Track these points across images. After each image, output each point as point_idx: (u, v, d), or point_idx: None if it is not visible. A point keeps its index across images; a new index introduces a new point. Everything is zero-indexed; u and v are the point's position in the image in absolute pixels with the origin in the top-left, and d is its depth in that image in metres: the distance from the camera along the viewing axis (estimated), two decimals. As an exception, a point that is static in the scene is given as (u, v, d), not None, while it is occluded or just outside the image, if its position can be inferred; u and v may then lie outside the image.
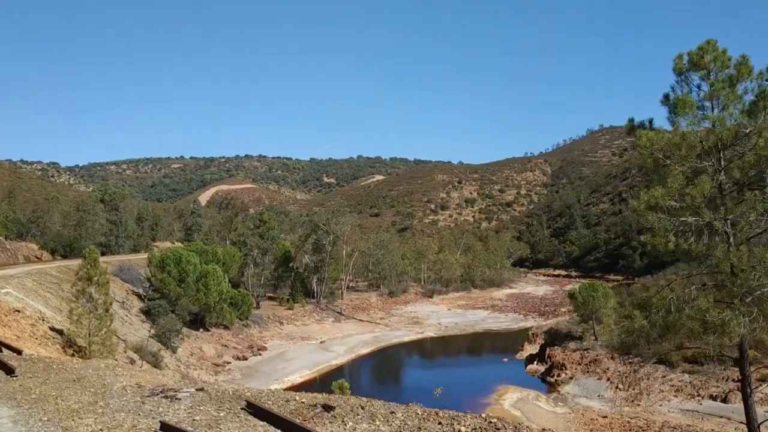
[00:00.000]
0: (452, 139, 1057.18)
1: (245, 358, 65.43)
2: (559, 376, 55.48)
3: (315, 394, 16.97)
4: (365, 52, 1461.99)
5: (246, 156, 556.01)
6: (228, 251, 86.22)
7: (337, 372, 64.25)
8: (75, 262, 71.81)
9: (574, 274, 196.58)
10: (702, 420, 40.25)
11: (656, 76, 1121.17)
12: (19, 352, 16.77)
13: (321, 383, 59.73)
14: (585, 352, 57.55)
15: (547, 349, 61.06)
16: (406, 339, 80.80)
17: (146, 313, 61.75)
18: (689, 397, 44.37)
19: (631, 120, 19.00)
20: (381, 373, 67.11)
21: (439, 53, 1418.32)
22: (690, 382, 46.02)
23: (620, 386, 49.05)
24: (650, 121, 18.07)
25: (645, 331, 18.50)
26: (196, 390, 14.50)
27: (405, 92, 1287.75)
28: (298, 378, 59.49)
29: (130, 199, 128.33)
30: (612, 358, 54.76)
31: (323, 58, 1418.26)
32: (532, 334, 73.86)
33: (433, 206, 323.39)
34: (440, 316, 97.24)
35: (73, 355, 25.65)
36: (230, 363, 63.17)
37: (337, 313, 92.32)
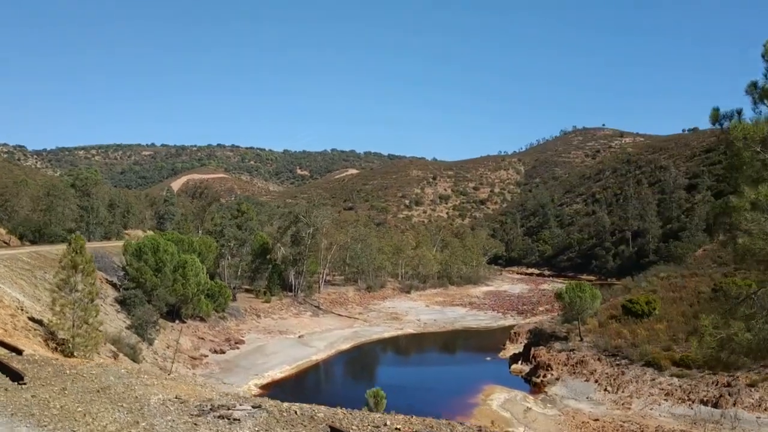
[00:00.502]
0: (427, 135, 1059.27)
1: (223, 352, 63.60)
2: (545, 376, 54.74)
3: (410, 419, 15.30)
4: (341, 44, 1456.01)
5: (218, 145, 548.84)
6: (204, 241, 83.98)
7: (317, 368, 62.96)
8: (46, 248, 69.40)
9: (547, 273, 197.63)
10: (695, 425, 39.75)
11: (629, 77, 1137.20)
12: (19, 351, 14.81)
13: (301, 378, 58.41)
14: (571, 352, 56.86)
15: (532, 349, 60.31)
16: (386, 335, 79.66)
17: (121, 303, 59.58)
18: (680, 401, 43.87)
19: (717, 109, 17.47)
20: (362, 370, 65.81)
21: (415, 47, 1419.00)
22: (680, 386, 45.53)
23: (608, 388, 48.45)
24: (739, 112, 16.66)
25: (748, 345, 16.51)
26: (253, 407, 12.82)
27: (381, 86, 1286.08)
28: (278, 373, 57.92)
29: (102, 185, 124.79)
30: (599, 359, 54.20)
31: (299, 50, 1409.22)
32: (514, 333, 73.15)
33: (407, 202, 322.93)
34: (419, 312, 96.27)
35: (55, 348, 23.85)
36: (207, 356, 61.31)
37: (315, 307, 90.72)
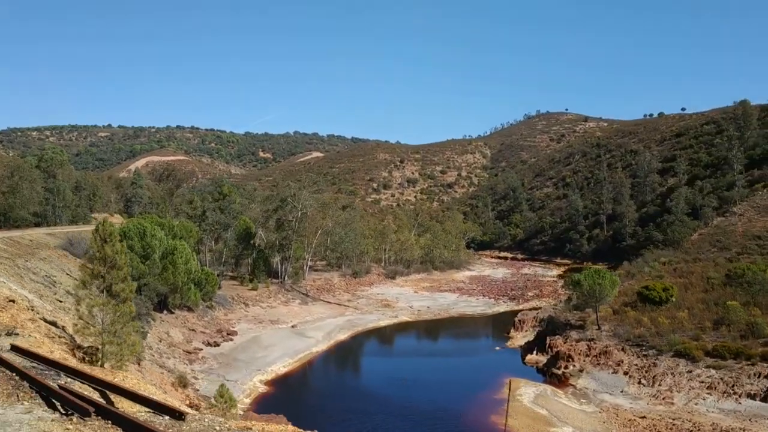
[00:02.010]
0: (390, 118, 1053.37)
1: (217, 344, 59.13)
2: (566, 368, 51.96)
3: None
4: (299, 26, 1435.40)
5: (177, 127, 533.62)
6: (184, 225, 78.76)
7: (319, 361, 59.08)
8: (17, 234, 63.65)
9: (520, 257, 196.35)
10: (751, 422, 37.27)
11: (591, 60, 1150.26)
12: (180, 415, 10.11)
13: (305, 373, 54.46)
14: (591, 342, 54.24)
15: (548, 339, 57.52)
16: (382, 323, 76.20)
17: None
18: (725, 395, 41.46)
19: None
20: (367, 363, 62.13)
21: (374, 26, 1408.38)
22: (721, 379, 43.15)
23: (643, 381, 45.87)
24: None
25: None
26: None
27: (342, 67, 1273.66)
28: (281, 368, 53.85)
29: (67, 167, 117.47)
30: (622, 349, 51.71)
31: (255, 33, 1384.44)
32: (519, 320, 70.42)
33: (375, 185, 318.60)
34: (409, 298, 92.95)
35: (83, 358, 19.51)
36: (202, 350, 56.75)
37: (303, 294, 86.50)
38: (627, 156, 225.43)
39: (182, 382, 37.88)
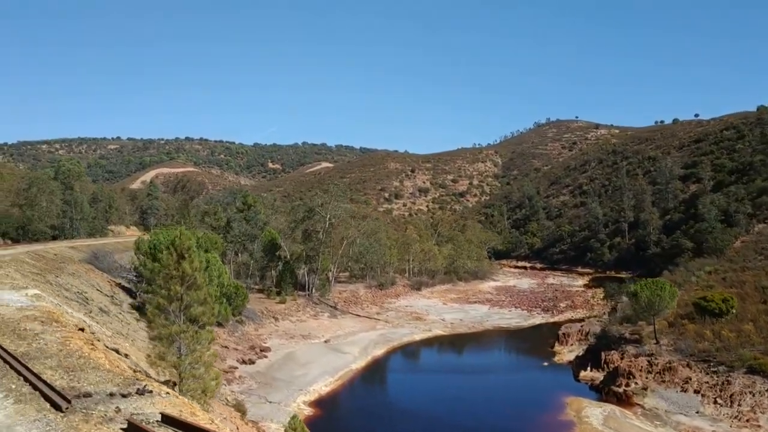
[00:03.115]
0: (399, 128, 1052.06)
1: (252, 362, 56.20)
2: (627, 385, 48.70)
3: None
4: (307, 35, 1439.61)
5: (186, 138, 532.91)
6: (209, 237, 76.12)
7: (360, 379, 56.03)
8: (39, 247, 60.91)
9: (539, 266, 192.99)
10: None
11: (600, 69, 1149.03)
12: None
13: (348, 392, 51.34)
14: (651, 357, 50.96)
15: (603, 354, 54.25)
16: (416, 338, 73.14)
17: (139, 309, 51.59)
18: (816, 416, 38.20)
19: None
20: (409, 379, 58.87)
21: (384, 37, 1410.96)
22: (808, 398, 39.91)
23: (719, 401, 42.59)
24: None
25: None
26: None
27: (351, 78, 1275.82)
28: (323, 387, 50.83)
29: (84, 178, 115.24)
30: (688, 365, 48.41)
31: (263, 44, 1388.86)
32: (563, 334, 67.19)
33: (386, 195, 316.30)
34: (439, 311, 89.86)
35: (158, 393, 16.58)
36: (237, 368, 53.79)
37: (332, 307, 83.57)
38: (645, 162, 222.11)
39: (240, 410, 34.92)
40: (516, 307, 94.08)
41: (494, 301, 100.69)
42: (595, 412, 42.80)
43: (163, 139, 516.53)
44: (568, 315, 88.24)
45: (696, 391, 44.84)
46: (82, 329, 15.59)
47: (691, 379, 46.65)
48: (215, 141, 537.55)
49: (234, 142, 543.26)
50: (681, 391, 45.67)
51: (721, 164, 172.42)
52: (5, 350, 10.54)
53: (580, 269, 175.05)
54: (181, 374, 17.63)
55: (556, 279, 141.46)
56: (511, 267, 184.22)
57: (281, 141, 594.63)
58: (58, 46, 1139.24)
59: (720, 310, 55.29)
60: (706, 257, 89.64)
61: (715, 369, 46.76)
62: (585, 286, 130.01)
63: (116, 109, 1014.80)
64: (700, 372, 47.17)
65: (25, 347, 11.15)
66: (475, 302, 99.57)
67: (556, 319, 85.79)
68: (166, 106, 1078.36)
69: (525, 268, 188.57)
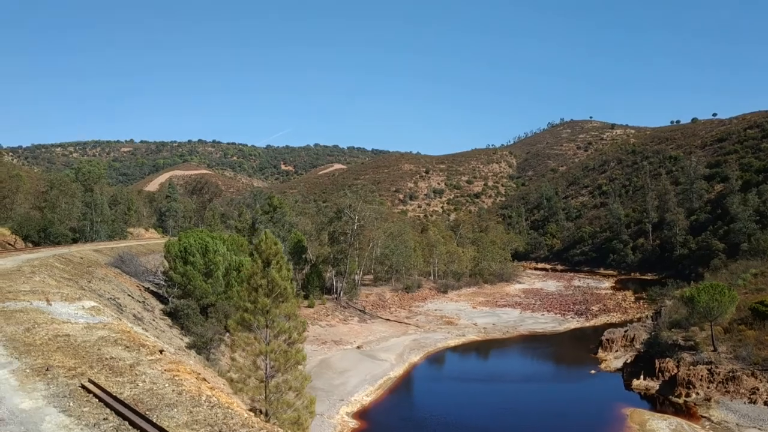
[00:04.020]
0: (411, 129, 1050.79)
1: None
2: (688, 396, 45.95)
3: None
4: (319, 39, 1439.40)
5: (199, 141, 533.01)
6: (235, 240, 73.76)
7: (401, 387, 53.44)
8: (64, 250, 58.73)
9: (560, 267, 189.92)
10: None
11: (613, 70, 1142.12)
12: None
13: (391, 402, 48.74)
14: (711, 366, 48.06)
15: (657, 362, 51.38)
16: (451, 343, 70.53)
17: (171, 315, 49.39)
18: None
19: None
20: (451, 387, 55.92)
21: (394, 40, 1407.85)
22: None
23: (796, 413, 39.69)
24: None
25: None
26: None
27: (362, 80, 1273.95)
28: (364, 397, 48.35)
29: (104, 180, 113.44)
30: (753, 374, 45.55)
31: (274, 47, 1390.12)
32: (607, 340, 64.33)
33: (401, 196, 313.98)
34: (470, 315, 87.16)
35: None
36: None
37: (360, 311, 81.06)
38: (667, 162, 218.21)
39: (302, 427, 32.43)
40: (548, 311, 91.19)
41: (524, 304, 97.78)
42: (660, 425, 40.05)
43: (176, 142, 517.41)
44: (603, 319, 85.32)
45: (766, 403, 41.99)
46: (161, 351, 13.19)
47: (758, 389, 43.82)
48: (228, 143, 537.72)
49: (246, 144, 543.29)
50: (749, 402, 42.87)
51: (748, 163, 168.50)
52: (117, 399, 8.06)
53: (602, 271, 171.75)
54: (270, 401, 15.22)
55: (581, 281, 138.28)
56: (531, 268, 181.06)
57: (293, 143, 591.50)
58: (73, 51, 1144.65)
59: (780, 315, 52.39)
60: (743, 259, 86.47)
61: (785, 379, 43.91)
62: (612, 288, 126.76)
63: (130, 112, 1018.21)
64: (768, 382, 44.32)
65: (130, 389, 8.69)
66: (505, 306, 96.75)
67: (591, 323, 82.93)
68: (180, 109, 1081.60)
69: (546, 269, 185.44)
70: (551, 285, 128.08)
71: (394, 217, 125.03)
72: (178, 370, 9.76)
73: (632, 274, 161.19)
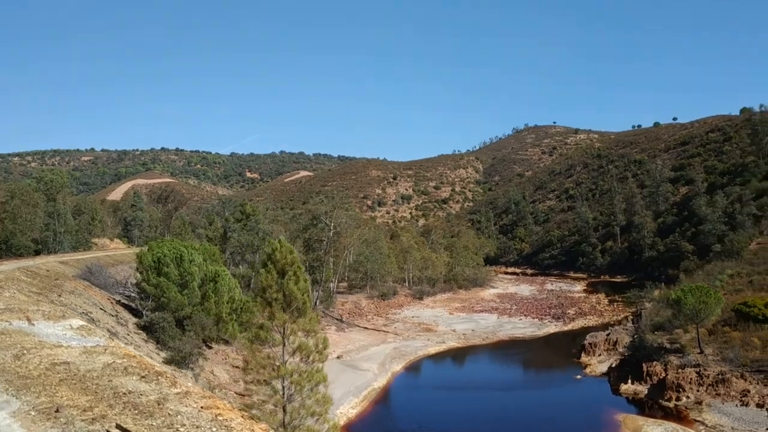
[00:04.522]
0: (377, 135, 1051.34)
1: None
2: (678, 399, 45.48)
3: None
4: (281, 45, 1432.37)
5: (162, 149, 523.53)
6: (206, 249, 71.44)
7: (386, 399, 51.98)
8: (28, 263, 55.84)
9: (530, 271, 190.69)
10: None
11: (575, 75, 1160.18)
12: None
13: (378, 414, 47.21)
14: (699, 368, 47.69)
15: (644, 365, 50.87)
16: (431, 351, 69.31)
17: (146, 329, 47.04)
18: None
19: None
20: (437, 398, 54.45)
21: (356, 43, 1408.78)
22: None
23: (790, 415, 39.35)
24: None
25: None
26: None
27: (325, 86, 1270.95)
28: (350, 410, 46.71)
29: (68, 189, 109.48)
30: (742, 377, 45.25)
31: (235, 53, 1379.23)
32: (589, 343, 63.82)
33: (369, 202, 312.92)
34: (448, 321, 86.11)
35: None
36: (254, 389, 49.29)
37: (337, 320, 79.33)
38: (632, 166, 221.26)
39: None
40: (525, 316, 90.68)
41: (501, 309, 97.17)
42: (656, 431, 39.29)
43: (138, 150, 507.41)
44: (580, 323, 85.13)
45: (759, 405, 41.68)
46: (160, 374, 11.51)
47: (749, 391, 43.49)
48: (191, 151, 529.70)
49: (210, 152, 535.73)
50: (741, 405, 42.49)
51: (711, 166, 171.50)
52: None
53: (572, 274, 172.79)
54: (289, 428, 13.65)
55: (554, 285, 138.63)
56: (502, 273, 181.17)
57: (259, 150, 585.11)
58: (28, 60, 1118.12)
59: (764, 316, 52.42)
60: (716, 260, 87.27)
61: (774, 380, 43.66)
62: (584, 291, 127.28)
63: (90, 121, 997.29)
64: (758, 383, 44.06)
65: (170, 437, 7.11)
66: (482, 311, 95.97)
67: (569, 327, 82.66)
68: (142, 117, 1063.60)
69: (516, 273, 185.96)
70: (525, 289, 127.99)
71: (368, 223, 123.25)
72: (218, 407, 8.17)
73: (602, 276, 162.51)
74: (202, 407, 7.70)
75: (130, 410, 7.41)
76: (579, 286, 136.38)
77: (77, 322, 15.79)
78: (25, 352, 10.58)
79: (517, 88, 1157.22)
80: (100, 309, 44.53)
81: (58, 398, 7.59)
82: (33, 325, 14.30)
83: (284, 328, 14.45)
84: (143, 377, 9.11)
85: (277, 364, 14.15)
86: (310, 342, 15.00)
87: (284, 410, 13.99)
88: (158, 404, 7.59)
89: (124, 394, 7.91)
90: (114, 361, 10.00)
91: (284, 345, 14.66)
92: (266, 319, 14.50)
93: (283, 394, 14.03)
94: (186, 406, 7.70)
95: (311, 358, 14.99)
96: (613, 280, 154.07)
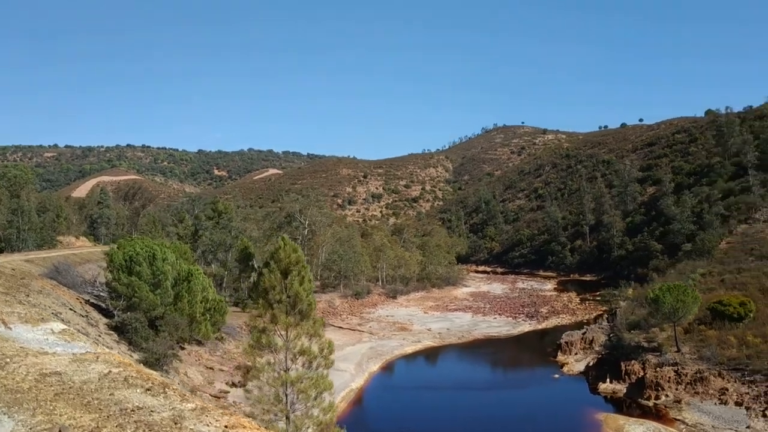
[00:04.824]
0: (346, 133, 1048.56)
1: (243, 385, 50.36)
2: (657, 398, 45.59)
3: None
4: (244, 43, 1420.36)
5: (128, 146, 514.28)
6: (178, 247, 69.78)
7: (365, 400, 51.20)
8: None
9: (500, 270, 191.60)
10: None
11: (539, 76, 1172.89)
12: None
13: (358, 416, 46.43)
14: (677, 367, 47.94)
15: (623, 364, 50.96)
16: (408, 350, 68.76)
17: (117, 329, 45.47)
18: None
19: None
20: (416, 397, 53.83)
21: (319, 41, 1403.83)
22: None
23: (768, 413, 39.62)
24: None
25: None
26: None
27: (294, 83, 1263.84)
28: (329, 412, 45.58)
29: (32, 186, 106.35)
30: (719, 375, 45.53)
31: (196, 50, 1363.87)
32: (566, 342, 63.85)
33: (340, 201, 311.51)
34: (422, 320, 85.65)
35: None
36: (228, 392, 48.10)
37: (312, 320, 78.22)
38: (600, 166, 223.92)
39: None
40: (499, 314, 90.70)
41: (474, 308, 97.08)
42: (638, 430, 39.25)
43: (103, 147, 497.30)
44: (554, 321, 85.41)
45: (738, 404, 41.91)
46: (166, 386, 10.51)
47: (728, 390, 43.74)
48: (158, 148, 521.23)
49: (177, 149, 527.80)
50: (720, 403, 42.70)
51: (678, 166, 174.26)
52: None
53: (542, 273, 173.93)
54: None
55: (525, 283, 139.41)
56: (473, 271, 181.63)
57: (226, 147, 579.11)
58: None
59: (739, 315, 52.97)
60: (688, 259, 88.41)
61: (751, 378, 44.03)
62: (555, 290, 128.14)
63: (54, 116, 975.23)
64: (736, 382, 44.36)
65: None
66: (456, 310, 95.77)
67: (543, 325, 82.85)
68: (107, 113, 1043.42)
69: (487, 272, 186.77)
70: (497, 288, 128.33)
71: (341, 222, 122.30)
72: (243, 426, 7.27)
73: (572, 275, 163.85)
74: (226, 426, 6.81)
75: (144, 431, 6.52)
76: (550, 285, 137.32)
77: (58, 325, 14.68)
78: (8, 360, 9.56)
79: (488, 85, 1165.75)
80: (70, 309, 42.85)
81: (57, 416, 6.64)
82: (10, 329, 13.20)
83: (287, 332, 13.63)
84: (148, 390, 8.18)
85: (280, 370, 13.29)
86: (315, 346, 14.20)
87: (287, 419, 13.18)
88: (175, 423, 6.68)
89: (132, 410, 6.98)
90: (110, 371, 9.04)
91: (287, 350, 13.81)
92: (268, 323, 13.63)
93: (286, 402, 13.21)
94: (207, 425, 6.79)
95: (315, 363, 14.17)
96: (582, 278, 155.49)
